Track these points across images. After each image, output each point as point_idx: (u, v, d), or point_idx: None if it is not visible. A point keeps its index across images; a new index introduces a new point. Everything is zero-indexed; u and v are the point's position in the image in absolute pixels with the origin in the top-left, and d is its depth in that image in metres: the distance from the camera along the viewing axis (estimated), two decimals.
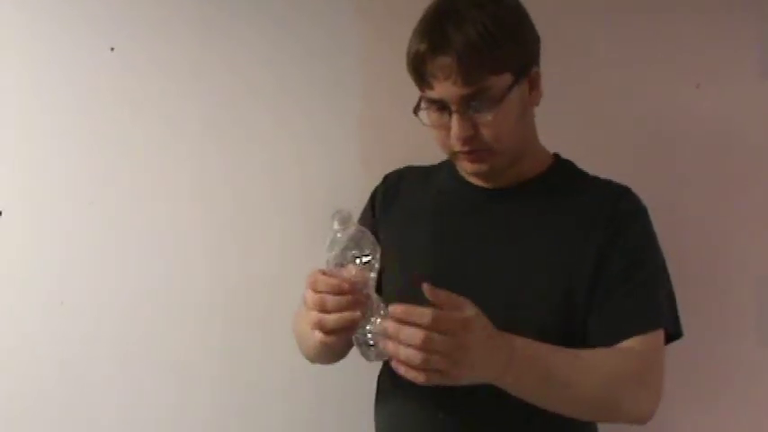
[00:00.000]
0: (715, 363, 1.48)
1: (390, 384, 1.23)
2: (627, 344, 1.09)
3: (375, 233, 1.23)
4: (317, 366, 1.26)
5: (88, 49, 1.46)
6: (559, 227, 1.15)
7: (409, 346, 0.91)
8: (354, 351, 1.02)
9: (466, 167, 1.17)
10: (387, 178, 1.34)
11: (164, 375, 1.48)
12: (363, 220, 1.31)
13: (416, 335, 0.90)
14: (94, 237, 1.47)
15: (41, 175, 1.47)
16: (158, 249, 1.48)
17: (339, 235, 0.97)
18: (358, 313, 0.96)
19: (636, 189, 1.47)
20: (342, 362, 1.23)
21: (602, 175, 1.44)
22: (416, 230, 1.22)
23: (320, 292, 0.97)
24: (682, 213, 1.48)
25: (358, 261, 0.96)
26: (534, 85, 1.16)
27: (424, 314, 0.90)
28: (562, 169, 1.25)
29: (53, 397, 1.47)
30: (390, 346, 0.92)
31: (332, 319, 0.97)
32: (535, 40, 1.15)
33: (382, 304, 0.97)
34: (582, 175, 1.25)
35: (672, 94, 1.48)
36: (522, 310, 1.11)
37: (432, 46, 1.07)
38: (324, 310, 0.97)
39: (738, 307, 1.48)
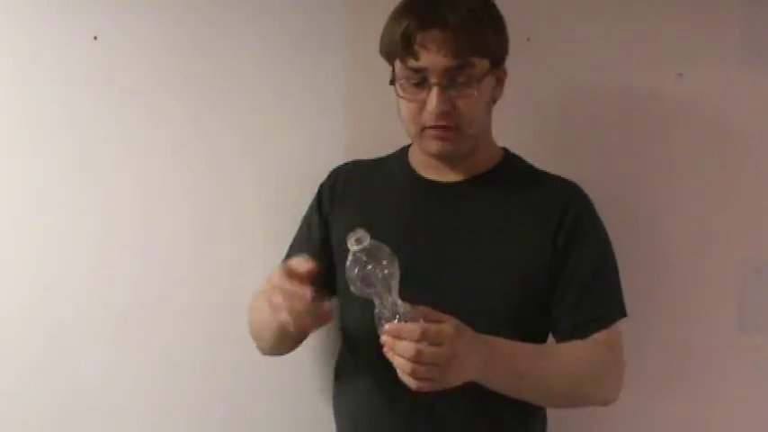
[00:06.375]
0: (697, 347, 1.50)
1: (351, 372, 1.26)
2: (594, 336, 1.17)
3: (326, 230, 1.29)
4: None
5: (70, 38, 1.44)
6: (514, 220, 1.20)
7: (401, 357, 0.97)
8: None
9: (431, 146, 1.19)
10: (333, 173, 1.35)
11: (147, 341, 1.48)
12: (309, 219, 1.33)
13: (408, 348, 0.96)
14: (79, 225, 1.46)
15: (23, 164, 1.46)
16: (143, 238, 1.48)
17: (357, 254, 0.99)
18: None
19: (620, 177, 1.50)
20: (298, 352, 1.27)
21: (588, 164, 1.46)
22: (373, 222, 1.15)
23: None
24: (665, 200, 1.50)
25: (379, 274, 0.98)
26: (500, 81, 1.22)
27: (413, 330, 0.96)
28: (511, 164, 1.29)
29: (35, 361, 1.47)
30: (389, 355, 0.99)
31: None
32: (507, 38, 1.20)
33: (400, 302, 1.00)
34: (531, 169, 1.29)
35: (655, 82, 1.49)
36: (477, 299, 1.13)
37: (424, 20, 1.12)
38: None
39: (720, 292, 1.50)
